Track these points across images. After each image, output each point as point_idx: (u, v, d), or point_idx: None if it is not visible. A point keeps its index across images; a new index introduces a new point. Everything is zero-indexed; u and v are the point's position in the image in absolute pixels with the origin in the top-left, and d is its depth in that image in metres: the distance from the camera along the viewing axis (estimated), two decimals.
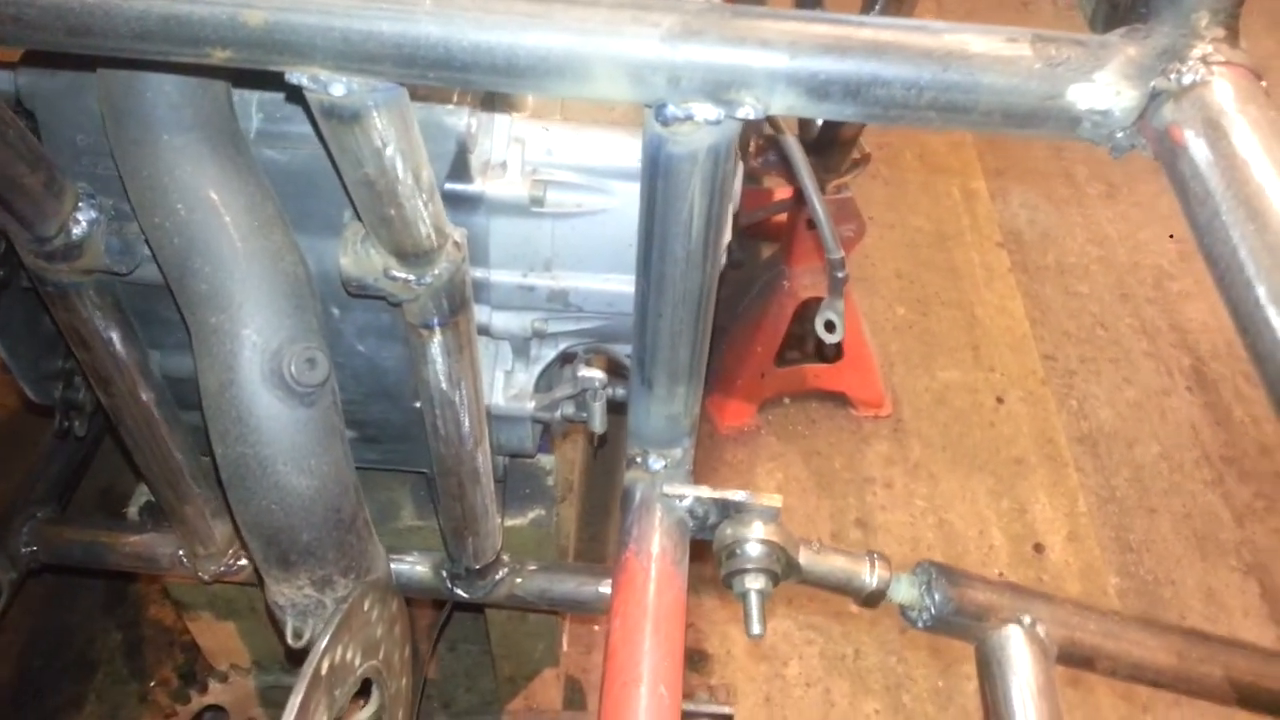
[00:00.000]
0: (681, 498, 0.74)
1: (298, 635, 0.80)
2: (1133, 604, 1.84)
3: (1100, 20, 0.58)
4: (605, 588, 1.13)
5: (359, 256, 0.74)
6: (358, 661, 0.83)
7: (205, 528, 1.04)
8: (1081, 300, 2.40)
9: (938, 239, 2.47)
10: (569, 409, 1.03)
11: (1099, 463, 2.07)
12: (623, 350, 0.98)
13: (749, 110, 0.56)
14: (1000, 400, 2.15)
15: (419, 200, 0.69)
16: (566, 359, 1.06)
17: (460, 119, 0.83)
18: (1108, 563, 1.90)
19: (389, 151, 0.63)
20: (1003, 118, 0.54)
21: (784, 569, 0.74)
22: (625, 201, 0.92)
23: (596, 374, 0.98)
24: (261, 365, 0.70)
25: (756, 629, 0.71)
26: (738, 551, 0.73)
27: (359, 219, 0.72)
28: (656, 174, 0.62)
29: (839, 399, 2.09)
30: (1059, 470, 2.05)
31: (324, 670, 0.76)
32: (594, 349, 1.02)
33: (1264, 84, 0.51)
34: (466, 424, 0.88)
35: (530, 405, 1.00)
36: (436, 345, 0.81)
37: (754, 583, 0.72)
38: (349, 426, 0.87)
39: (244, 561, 1.10)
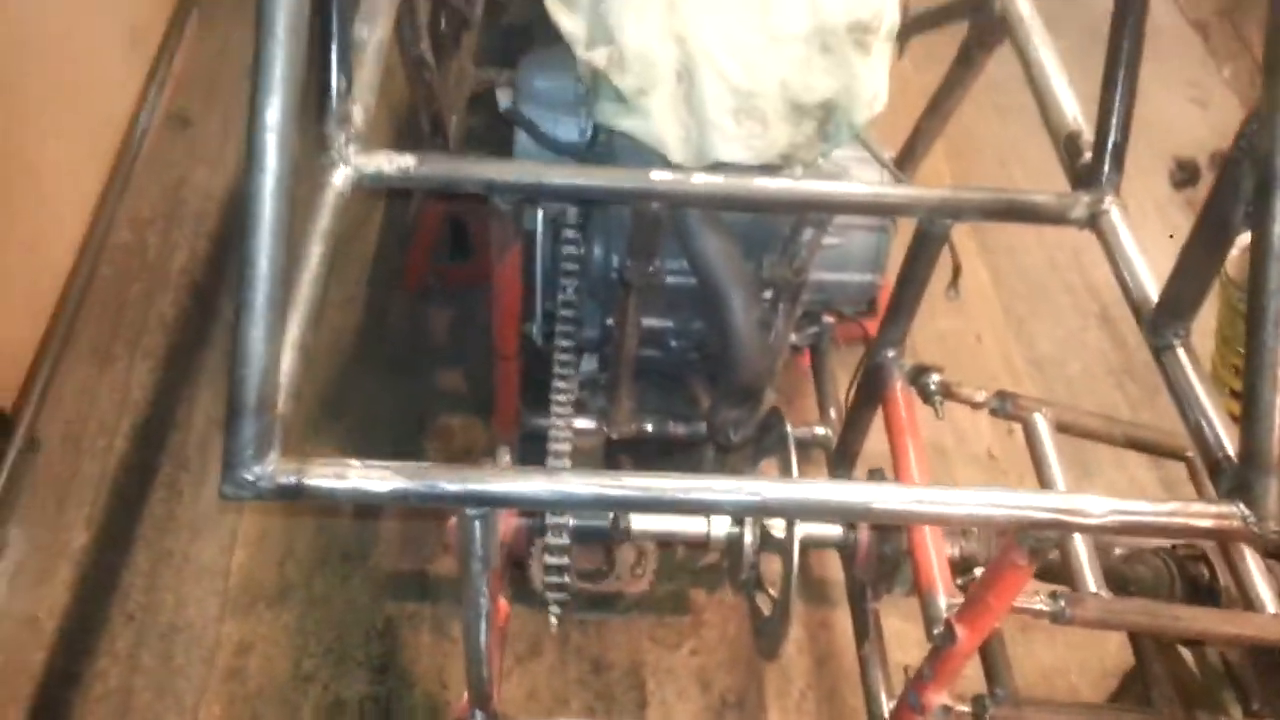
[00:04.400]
0: (904, 366, 1.81)
1: (733, 437, 1.83)
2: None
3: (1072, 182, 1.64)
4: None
5: (773, 269, 1.77)
6: None
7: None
8: (1025, 269, 3.52)
9: None
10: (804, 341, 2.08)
11: (1043, 376, 3.20)
12: (843, 306, 2.03)
13: None
14: (979, 339, 3.27)
15: None
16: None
17: None
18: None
19: None
20: (1045, 216, 1.59)
21: (946, 393, 1.81)
22: (853, 240, 1.96)
23: (830, 320, 2.03)
24: (750, 315, 1.72)
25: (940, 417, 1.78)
26: (932, 384, 1.80)
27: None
28: None
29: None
30: (1018, 382, 3.15)
31: None
32: (822, 307, 2.06)
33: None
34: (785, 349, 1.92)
35: (794, 337, 2.04)
36: (786, 310, 1.84)
37: (936, 388, 1.79)
38: None
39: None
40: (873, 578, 1.77)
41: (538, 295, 2.04)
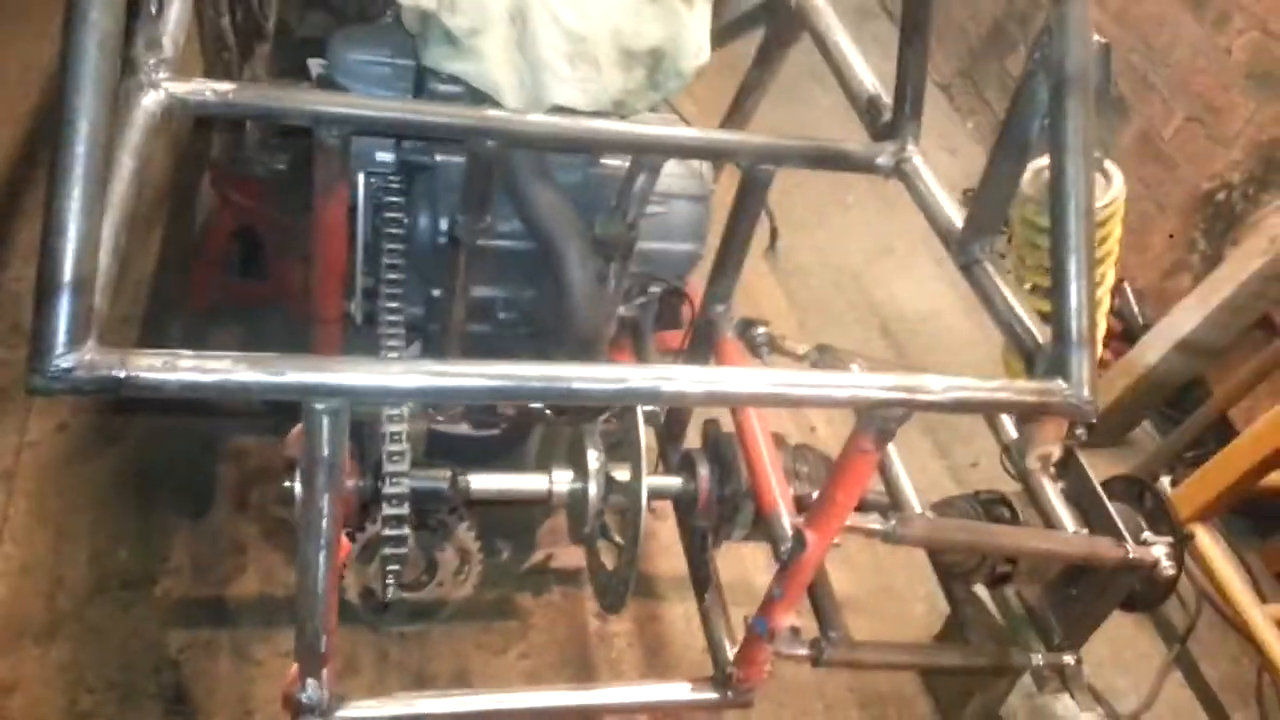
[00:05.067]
0: (732, 320, 1.86)
1: None
2: None
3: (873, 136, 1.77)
4: None
5: (606, 227, 1.78)
6: None
7: None
8: (813, 290, 3.75)
9: None
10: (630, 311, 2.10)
11: None
12: (669, 277, 2.07)
13: None
14: None
15: None
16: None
17: None
18: None
19: None
20: (856, 163, 1.71)
21: (771, 345, 1.88)
22: (675, 209, 2.01)
23: (657, 289, 2.06)
24: (586, 266, 1.72)
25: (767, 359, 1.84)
26: (758, 337, 1.86)
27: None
28: None
29: None
30: None
31: None
32: (647, 280, 2.09)
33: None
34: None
35: (623, 309, 2.05)
36: (618, 270, 1.85)
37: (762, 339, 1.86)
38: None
39: None
40: (713, 522, 1.78)
41: (358, 271, 1.95)
